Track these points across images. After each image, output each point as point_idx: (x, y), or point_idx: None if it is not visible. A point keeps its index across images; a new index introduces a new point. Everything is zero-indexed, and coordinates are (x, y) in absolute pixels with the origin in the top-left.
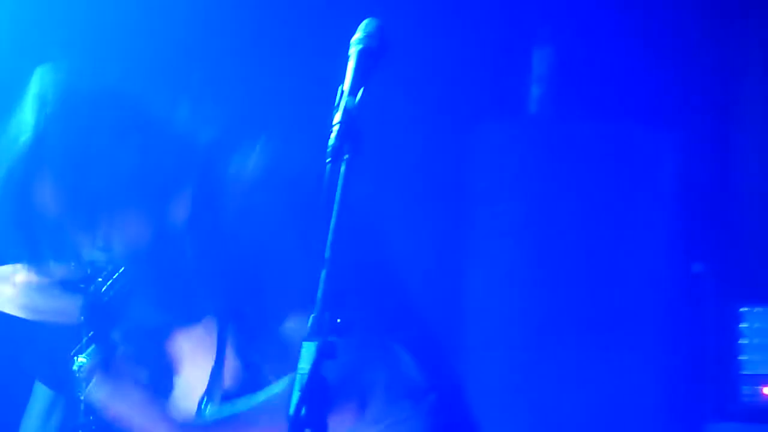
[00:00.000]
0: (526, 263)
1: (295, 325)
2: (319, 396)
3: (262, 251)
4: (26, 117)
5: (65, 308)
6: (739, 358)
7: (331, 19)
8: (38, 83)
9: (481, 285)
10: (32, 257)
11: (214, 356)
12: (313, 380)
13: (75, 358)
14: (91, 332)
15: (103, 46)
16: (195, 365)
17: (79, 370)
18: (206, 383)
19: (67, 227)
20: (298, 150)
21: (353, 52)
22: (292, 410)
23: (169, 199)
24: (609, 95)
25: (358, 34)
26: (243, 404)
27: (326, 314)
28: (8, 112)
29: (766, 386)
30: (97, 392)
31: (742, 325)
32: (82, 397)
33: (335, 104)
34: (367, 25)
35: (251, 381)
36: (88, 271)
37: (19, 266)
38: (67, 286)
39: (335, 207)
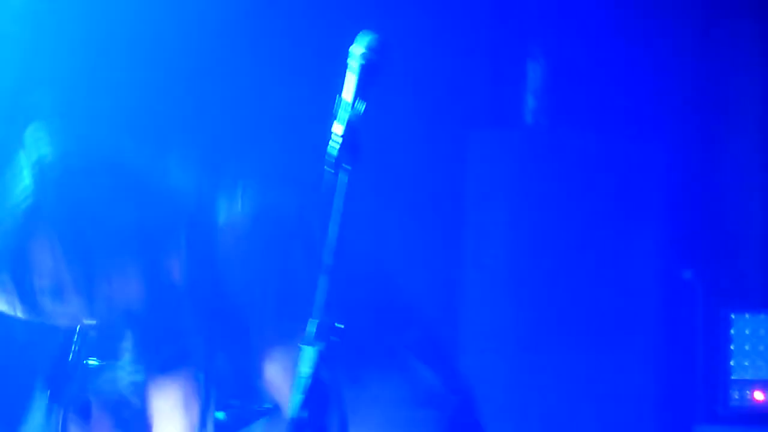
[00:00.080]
0: (521, 269)
1: (281, 370)
2: (321, 400)
3: (254, 300)
4: (24, 182)
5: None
6: (729, 363)
7: (313, 42)
8: (34, 146)
9: (476, 291)
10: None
11: (196, 412)
12: (314, 384)
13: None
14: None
15: (93, 100)
16: (175, 422)
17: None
18: None
19: (65, 290)
20: (284, 192)
21: (354, 65)
22: (293, 413)
23: (164, 256)
24: (602, 105)
25: (360, 48)
26: None
27: (327, 319)
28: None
29: (754, 391)
30: None
31: (732, 331)
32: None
33: (333, 113)
34: (367, 38)
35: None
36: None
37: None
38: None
39: (336, 215)
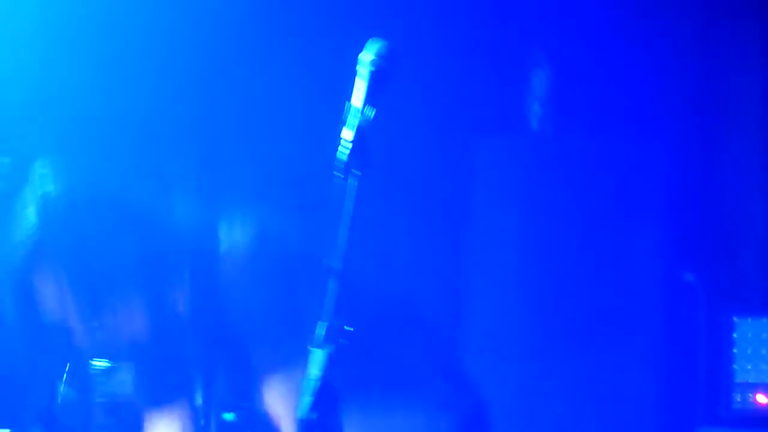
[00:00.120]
0: (525, 273)
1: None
2: (329, 401)
3: (255, 323)
4: (30, 217)
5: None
6: (731, 366)
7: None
8: (39, 182)
9: (481, 294)
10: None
11: None
12: (323, 386)
13: None
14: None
15: (96, 136)
16: None
17: None
18: None
19: (69, 324)
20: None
21: (364, 72)
22: (302, 415)
23: (167, 288)
24: (602, 106)
25: (369, 55)
26: None
27: (337, 322)
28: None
29: (757, 394)
30: None
31: (735, 335)
32: None
33: (343, 119)
34: (376, 45)
35: None
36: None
37: None
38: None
39: (346, 220)
